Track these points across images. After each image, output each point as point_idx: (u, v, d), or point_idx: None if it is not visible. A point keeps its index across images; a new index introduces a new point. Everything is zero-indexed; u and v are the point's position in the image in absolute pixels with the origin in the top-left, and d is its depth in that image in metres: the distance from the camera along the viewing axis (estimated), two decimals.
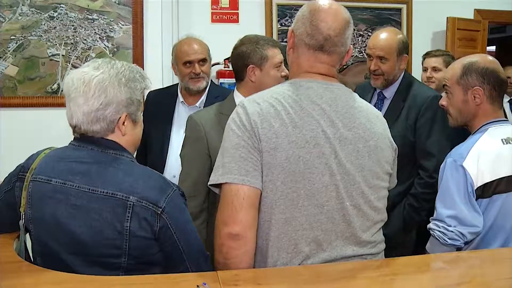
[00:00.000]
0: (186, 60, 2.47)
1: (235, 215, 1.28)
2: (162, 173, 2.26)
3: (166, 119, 2.51)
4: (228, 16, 3.82)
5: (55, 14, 3.43)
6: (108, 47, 3.48)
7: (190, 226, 1.37)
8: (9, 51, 3.41)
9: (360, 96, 1.50)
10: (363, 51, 4.11)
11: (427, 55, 3.17)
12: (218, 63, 3.73)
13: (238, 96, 1.99)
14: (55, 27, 3.43)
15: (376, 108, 2.15)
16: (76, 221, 1.29)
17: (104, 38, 3.48)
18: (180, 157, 2.05)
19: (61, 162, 1.35)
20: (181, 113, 2.52)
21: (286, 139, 1.31)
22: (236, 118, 1.36)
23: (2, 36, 3.39)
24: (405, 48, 2.44)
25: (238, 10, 3.85)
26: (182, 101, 2.53)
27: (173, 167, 2.42)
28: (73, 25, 3.45)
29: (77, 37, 3.46)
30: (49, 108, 3.45)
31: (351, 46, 1.47)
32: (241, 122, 1.34)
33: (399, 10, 4.17)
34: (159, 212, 1.28)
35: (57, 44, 3.44)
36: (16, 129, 3.43)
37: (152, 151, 2.51)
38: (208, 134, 1.91)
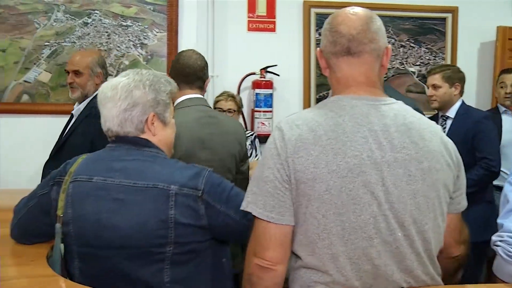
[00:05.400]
0: (65, 68, 2.81)
1: (264, 251, 1.23)
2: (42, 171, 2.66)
3: (66, 125, 2.83)
4: (265, 24, 3.70)
5: (89, 21, 3.38)
6: (141, 54, 3.40)
7: (232, 192, 1.42)
8: (43, 57, 3.38)
9: None
10: (404, 63, 3.93)
11: (428, 72, 3.14)
12: (253, 73, 3.62)
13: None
14: (88, 34, 3.39)
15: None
16: (118, 215, 1.33)
17: (138, 45, 3.40)
18: None
19: (100, 162, 1.42)
20: (70, 119, 2.83)
21: (326, 169, 1.19)
22: (272, 144, 1.26)
23: (37, 42, 3.36)
24: None
25: (275, 18, 3.72)
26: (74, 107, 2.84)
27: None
28: (106, 32, 3.39)
29: (110, 44, 3.40)
30: None
31: (390, 46, 1.33)
32: (276, 150, 1.24)
33: (444, 19, 3.97)
34: (199, 195, 1.34)
35: None
36: (48, 135, 3.39)
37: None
38: None
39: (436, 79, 2.99)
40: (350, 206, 1.19)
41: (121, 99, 1.40)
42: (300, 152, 1.20)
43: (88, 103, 2.74)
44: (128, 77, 1.44)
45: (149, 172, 1.36)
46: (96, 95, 2.67)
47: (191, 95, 2.15)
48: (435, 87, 2.99)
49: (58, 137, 2.86)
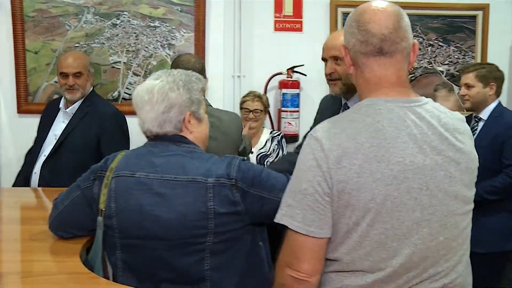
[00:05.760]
0: (61, 71, 2.81)
1: (299, 263, 1.21)
2: (32, 168, 2.75)
3: (48, 123, 2.87)
4: (292, 24, 3.69)
5: (118, 22, 3.42)
6: (169, 55, 3.43)
7: (263, 174, 1.46)
8: None
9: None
10: (432, 62, 3.87)
11: (462, 71, 3.00)
12: (280, 73, 3.61)
13: None
14: (117, 35, 3.43)
15: None
16: (161, 208, 1.39)
17: (166, 45, 3.44)
18: None
19: (141, 158, 1.48)
20: (60, 117, 2.87)
21: (370, 178, 1.15)
22: (309, 155, 1.20)
23: (68, 44, 3.43)
24: None
25: (302, 18, 3.71)
26: (61, 106, 2.86)
27: (39, 162, 2.76)
28: (135, 33, 3.43)
29: (138, 44, 3.44)
30: None
31: (416, 41, 1.29)
32: (315, 161, 1.19)
33: (474, 17, 3.89)
34: (233, 183, 1.40)
35: (119, 52, 3.43)
36: None
37: (33, 149, 2.87)
38: None
39: (469, 78, 2.86)
40: (394, 214, 1.16)
41: (158, 102, 1.46)
42: (342, 162, 1.16)
43: (82, 102, 2.83)
44: (161, 80, 1.49)
45: (188, 166, 1.43)
46: (89, 94, 2.82)
47: None
48: (468, 86, 2.86)
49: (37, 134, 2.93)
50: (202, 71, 2.30)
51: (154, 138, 1.52)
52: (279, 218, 1.23)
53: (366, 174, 1.15)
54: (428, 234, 1.18)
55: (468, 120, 2.83)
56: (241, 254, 1.46)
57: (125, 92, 3.47)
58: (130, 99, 3.42)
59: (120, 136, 2.86)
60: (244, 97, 3.47)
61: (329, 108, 2.14)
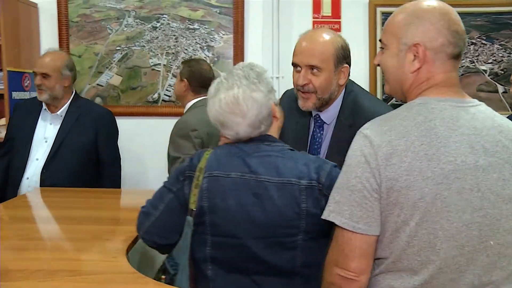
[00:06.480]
0: (33, 70, 2.80)
1: (347, 262, 1.20)
2: (23, 173, 2.70)
3: (31, 125, 2.80)
4: (330, 25, 3.66)
5: (158, 25, 3.48)
6: (208, 56, 3.46)
7: None
8: (114, 61, 3.51)
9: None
10: (474, 61, 3.77)
11: None
12: None
13: None
14: (157, 37, 3.48)
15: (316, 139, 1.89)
16: (257, 207, 1.42)
17: (205, 47, 3.47)
18: None
19: (233, 157, 1.48)
20: (45, 119, 2.82)
21: (420, 176, 1.14)
22: (358, 151, 1.20)
23: (109, 47, 3.51)
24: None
25: (340, 18, 3.68)
26: (45, 109, 2.82)
27: (32, 166, 2.72)
28: (174, 35, 3.48)
29: (178, 46, 3.48)
30: (149, 117, 3.51)
31: None
32: (364, 157, 1.18)
33: None
34: (321, 188, 1.41)
35: (159, 54, 3.48)
36: (119, 136, 3.53)
37: (16, 153, 2.78)
38: None
39: None
40: (443, 214, 1.14)
41: (249, 109, 1.44)
42: (391, 159, 1.15)
43: (70, 104, 2.83)
44: (238, 86, 1.45)
45: (281, 167, 1.44)
46: (75, 96, 2.84)
47: (204, 97, 2.68)
48: None
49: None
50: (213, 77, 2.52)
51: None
52: (326, 215, 1.23)
53: (416, 172, 1.14)
54: (477, 237, 1.16)
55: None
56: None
57: (165, 94, 3.52)
58: (169, 101, 3.49)
59: (114, 134, 2.94)
60: None
61: (291, 111, 1.90)
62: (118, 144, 3.28)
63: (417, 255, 1.16)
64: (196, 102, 2.78)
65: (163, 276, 1.57)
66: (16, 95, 3.26)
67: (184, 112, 2.85)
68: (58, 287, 1.42)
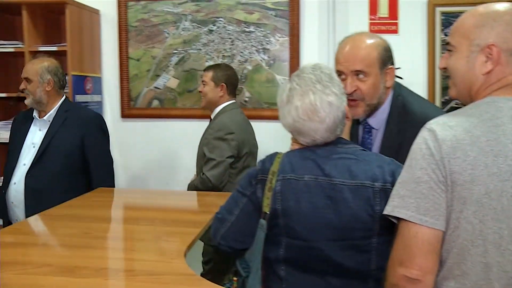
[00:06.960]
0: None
1: (413, 259, 1.16)
2: (11, 177, 2.71)
3: (23, 132, 2.81)
4: (387, 26, 3.59)
5: (214, 28, 3.52)
6: (264, 59, 3.47)
7: None
8: (171, 64, 3.59)
9: None
10: None
11: None
12: None
13: None
14: (213, 41, 3.53)
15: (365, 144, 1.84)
16: (331, 210, 1.42)
17: (261, 50, 3.48)
18: None
19: (306, 160, 1.48)
20: (35, 125, 2.82)
21: (486, 171, 1.11)
22: (422, 144, 1.18)
23: (166, 50, 3.58)
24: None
25: (397, 20, 3.59)
26: (35, 115, 2.82)
27: (19, 171, 2.71)
28: (230, 38, 3.51)
29: (234, 49, 3.51)
30: (205, 120, 3.56)
31: None
32: (428, 150, 1.16)
33: None
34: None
35: (215, 57, 3.53)
36: (176, 138, 3.64)
37: (8, 160, 2.82)
38: None
39: None
40: (510, 212, 1.11)
41: (327, 114, 1.44)
42: (456, 152, 1.14)
43: (58, 109, 2.79)
44: (313, 92, 1.45)
45: (355, 170, 1.44)
46: (64, 101, 2.87)
47: (234, 100, 3.03)
48: None
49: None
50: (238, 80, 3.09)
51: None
52: (390, 210, 1.20)
53: (481, 167, 1.12)
54: None
55: None
56: None
57: None
58: None
59: (102, 137, 2.87)
60: None
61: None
62: (174, 147, 3.35)
63: (482, 256, 1.13)
64: (226, 106, 2.96)
65: (235, 278, 1.59)
66: (79, 98, 3.40)
67: (214, 115, 2.96)
68: (118, 286, 1.46)
